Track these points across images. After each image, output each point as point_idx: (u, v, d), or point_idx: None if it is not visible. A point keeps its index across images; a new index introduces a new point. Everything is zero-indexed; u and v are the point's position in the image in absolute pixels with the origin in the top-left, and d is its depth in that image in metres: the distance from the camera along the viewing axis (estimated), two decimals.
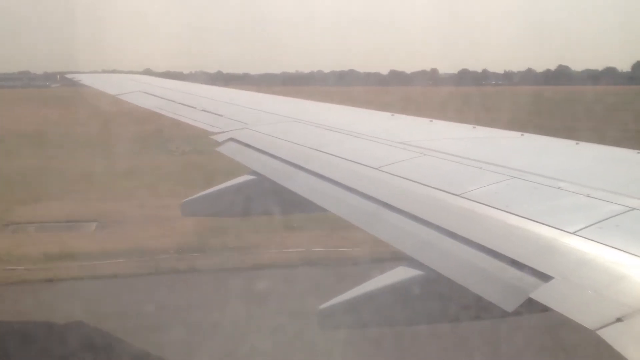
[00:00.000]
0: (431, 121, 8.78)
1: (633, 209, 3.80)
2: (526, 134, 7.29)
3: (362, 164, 6.06)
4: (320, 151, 6.92)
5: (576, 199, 4.19)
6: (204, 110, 11.33)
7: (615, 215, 3.74)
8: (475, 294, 3.54)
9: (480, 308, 3.75)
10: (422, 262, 4.05)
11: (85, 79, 21.36)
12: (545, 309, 3.15)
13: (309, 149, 7.15)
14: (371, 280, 4.41)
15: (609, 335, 2.71)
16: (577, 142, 6.53)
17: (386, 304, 4.27)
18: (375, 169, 5.77)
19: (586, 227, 3.62)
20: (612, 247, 3.34)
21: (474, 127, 7.85)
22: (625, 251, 3.27)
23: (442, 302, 4.19)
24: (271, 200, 7.15)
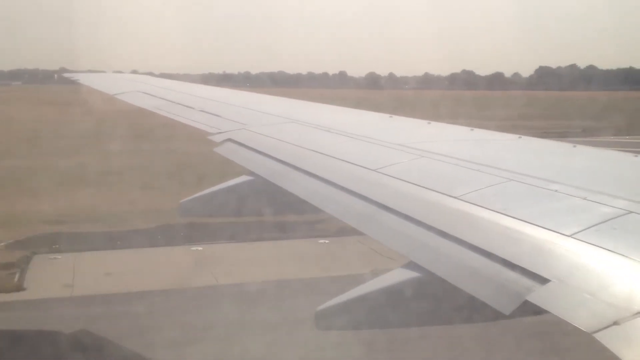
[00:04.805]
0: (429, 123, 8.79)
1: (630, 212, 3.81)
2: (523, 137, 7.31)
3: (360, 166, 6.06)
4: (319, 152, 6.92)
5: (573, 201, 4.20)
6: (202, 111, 11.32)
7: (612, 218, 3.75)
8: (472, 297, 3.55)
9: (477, 310, 3.75)
10: (419, 264, 4.05)
11: (83, 79, 21.36)
12: (542, 311, 3.15)
13: (307, 150, 7.15)
14: (368, 282, 4.41)
15: (606, 338, 2.71)
16: (574, 144, 6.55)
17: (383, 305, 4.27)
18: (373, 170, 5.77)
19: (583, 230, 3.63)
20: (609, 250, 3.35)
21: (471, 130, 7.86)
22: (622, 254, 3.28)
23: (439, 304, 4.19)
24: (268, 201, 7.15)
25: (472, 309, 3.82)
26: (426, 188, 5.01)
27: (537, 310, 3.18)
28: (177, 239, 19.99)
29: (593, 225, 3.67)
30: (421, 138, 7.36)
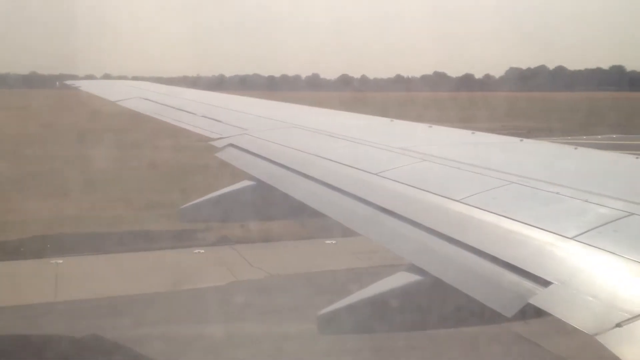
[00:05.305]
0: (430, 126, 8.81)
1: (632, 214, 3.81)
2: (525, 140, 7.32)
3: (362, 170, 6.07)
4: (320, 157, 6.93)
5: (575, 204, 4.20)
6: (203, 116, 11.35)
7: (614, 220, 3.75)
8: (475, 300, 3.55)
9: (479, 313, 3.76)
10: (421, 267, 4.06)
11: (84, 85, 21.46)
12: (544, 314, 3.15)
13: (309, 155, 7.16)
14: (371, 285, 4.42)
15: (608, 340, 2.72)
16: (576, 147, 6.56)
17: (386, 309, 4.27)
18: (375, 174, 5.78)
19: (585, 232, 3.63)
20: (611, 252, 3.35)
21: (473, 133, 7.88)
22: (623, 256, 3.28)
23: (441, 307, 4.20)
24: (270, 206, 7.16)
25: (474, 312, 3.82)
26: (428, 191, 5.02)
27: (540, 313, 3.19)
28: (43, 252, 18.69)
29: (595, 228, 3.68)
30: (422, 142, 7.37)
